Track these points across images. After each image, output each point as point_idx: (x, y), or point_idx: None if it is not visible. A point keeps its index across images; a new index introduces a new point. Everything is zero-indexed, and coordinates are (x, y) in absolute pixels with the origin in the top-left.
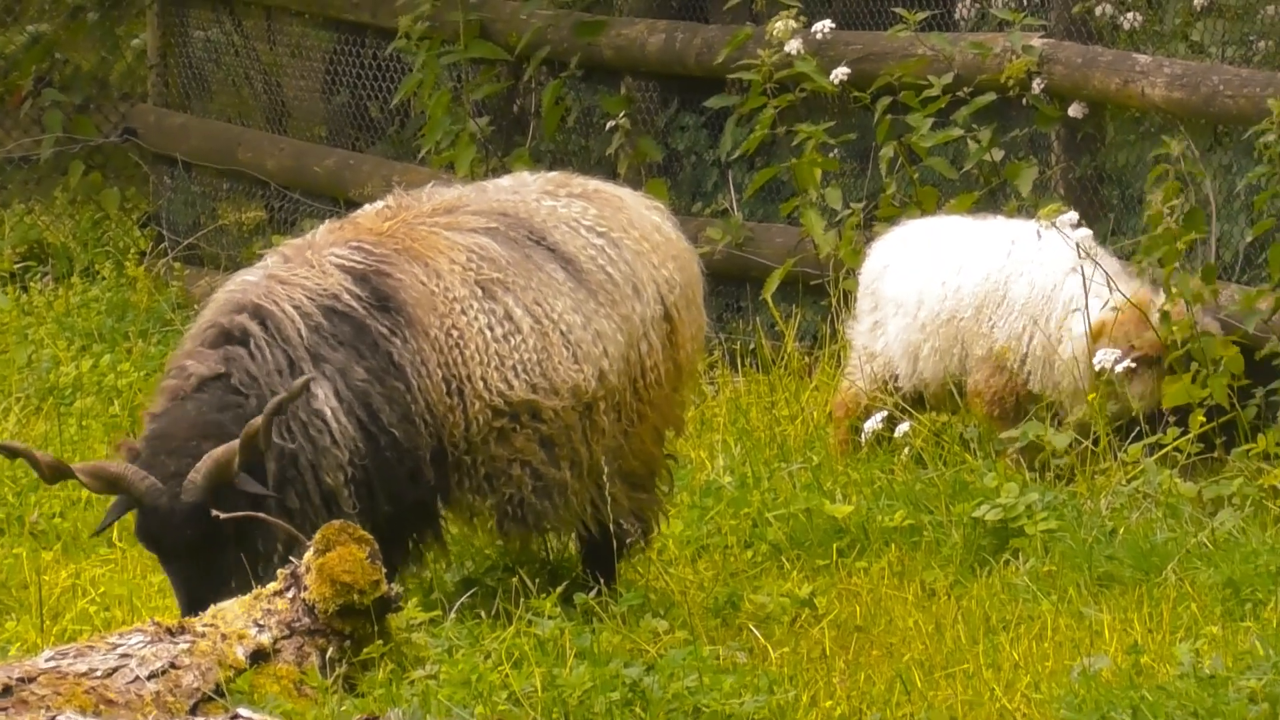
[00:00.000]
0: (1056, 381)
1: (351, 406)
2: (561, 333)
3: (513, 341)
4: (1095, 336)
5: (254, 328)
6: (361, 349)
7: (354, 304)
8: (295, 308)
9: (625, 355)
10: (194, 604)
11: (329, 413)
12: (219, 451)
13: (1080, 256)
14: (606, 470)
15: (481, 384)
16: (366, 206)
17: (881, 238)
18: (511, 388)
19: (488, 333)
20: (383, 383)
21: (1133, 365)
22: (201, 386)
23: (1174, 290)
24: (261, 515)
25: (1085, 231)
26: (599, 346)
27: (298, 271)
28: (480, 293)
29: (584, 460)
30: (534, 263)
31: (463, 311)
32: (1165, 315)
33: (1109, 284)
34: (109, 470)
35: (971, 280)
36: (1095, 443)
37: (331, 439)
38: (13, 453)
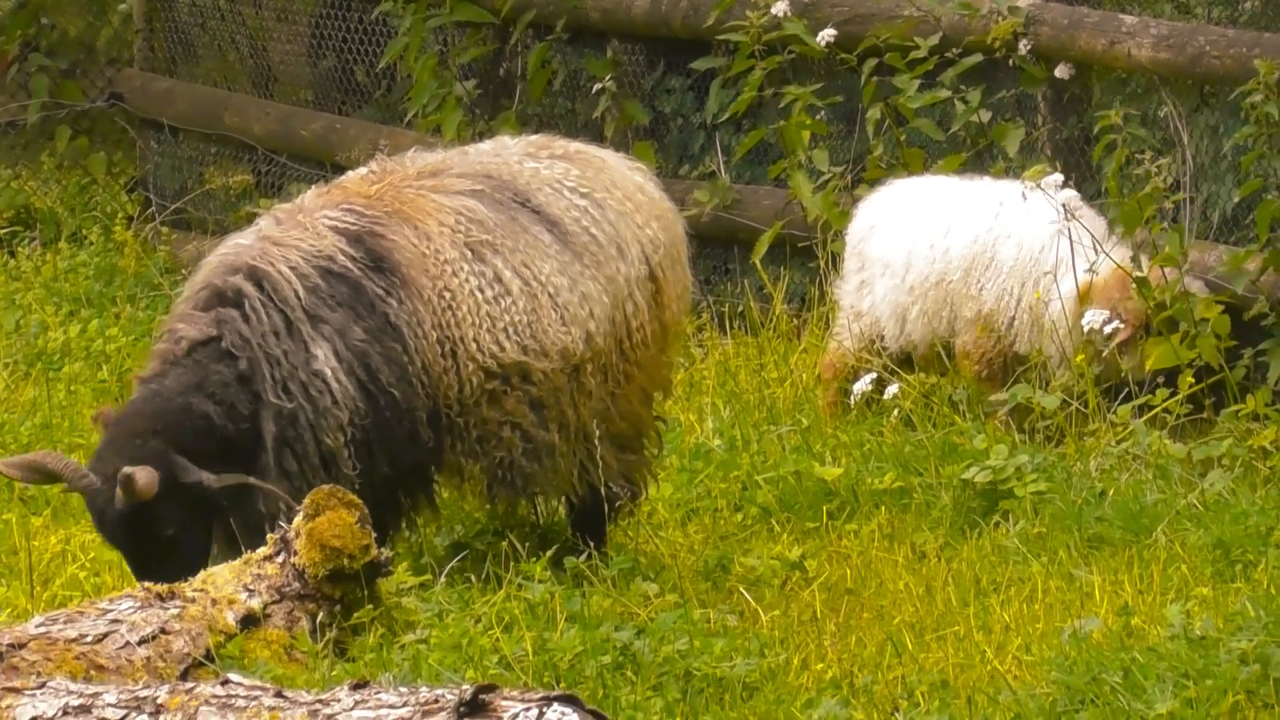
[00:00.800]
0: (1043, 341)
1: (351, 366)
2: (549, 295)
3: (503, 304)
4: (1081, 299)
5: (249, 289)
6: (359, 309)
7: (349, 265)
8: (292, 269)
9: (611, 316)
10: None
11: (329, 373)
12: (139, 474)
13: (1065, 218)
14: (595, 432)
15: (474, 345)
16: (351, 172)
17: (868, 197)
18: (503, 349)
19: (479, 294)
20: (381, 343)
21: (1120, 326)
22: (191, 351)
23: (1153, 256)
24: (253, 481)
25: (1071, 192)
26: (585, 308)
27: (291, 233)
28: (470, 255)
29: (572, 422)
30: (520, 225)
31: (454, 273)
32: (1143, 281)
33: (1095, 246)
34: (47, 465)
35: (960, 242)
36: (1084, 404)
37: (332, 399)
38: None
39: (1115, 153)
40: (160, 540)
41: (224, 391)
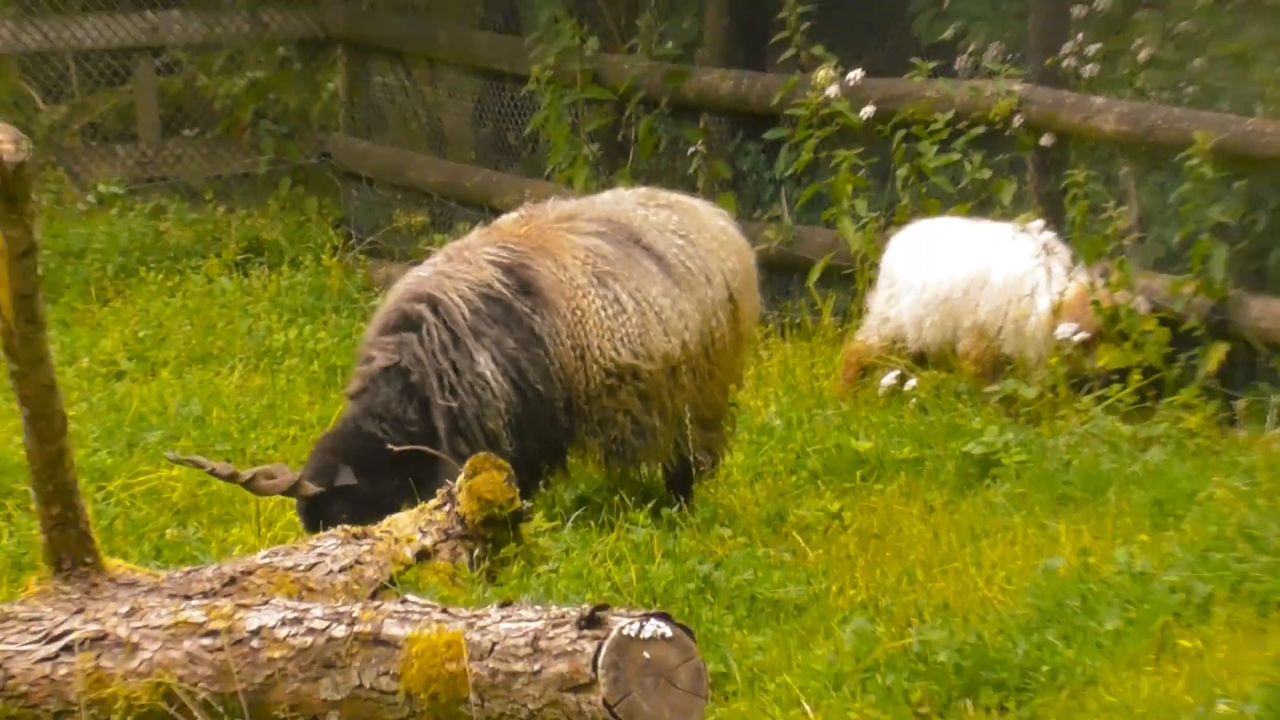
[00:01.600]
0: (1025, 346)
1: (506, 369)
2: (655, 313)
3: (620, 319)
4: (1054, 312)
5: (427, 313)
6: (511, 324)
7: (504, 290)
8: (459, 295)
9: (700, 329)
10: None
11: (489, 374)
12: (290, 476)
13: (1044, 253)
14: (686, 416)
15: (598, 351)
16: (505, 216)
17: (898, 232)
18: (619, 354)
19: (602, 312)
20: (528, 350)
21: (1087, 336)
22: (380, 378)
23: (1111, 281)
24: (428, 450)
25: (1050, 234)
26: (682, 323)
27: (459, 268)
28: (596, 281)
29: (669, 409)
30: (634, 259)
31: (584, 296)
32: (1097, 303)
33: (1066, 273)
34: (271, 472)
35: (963, 270)
36: (1056, 394)
37: (492, 394)
38: (198, 466)
39: (1079, 204)
40: (330, 520)
41: (392, 410)
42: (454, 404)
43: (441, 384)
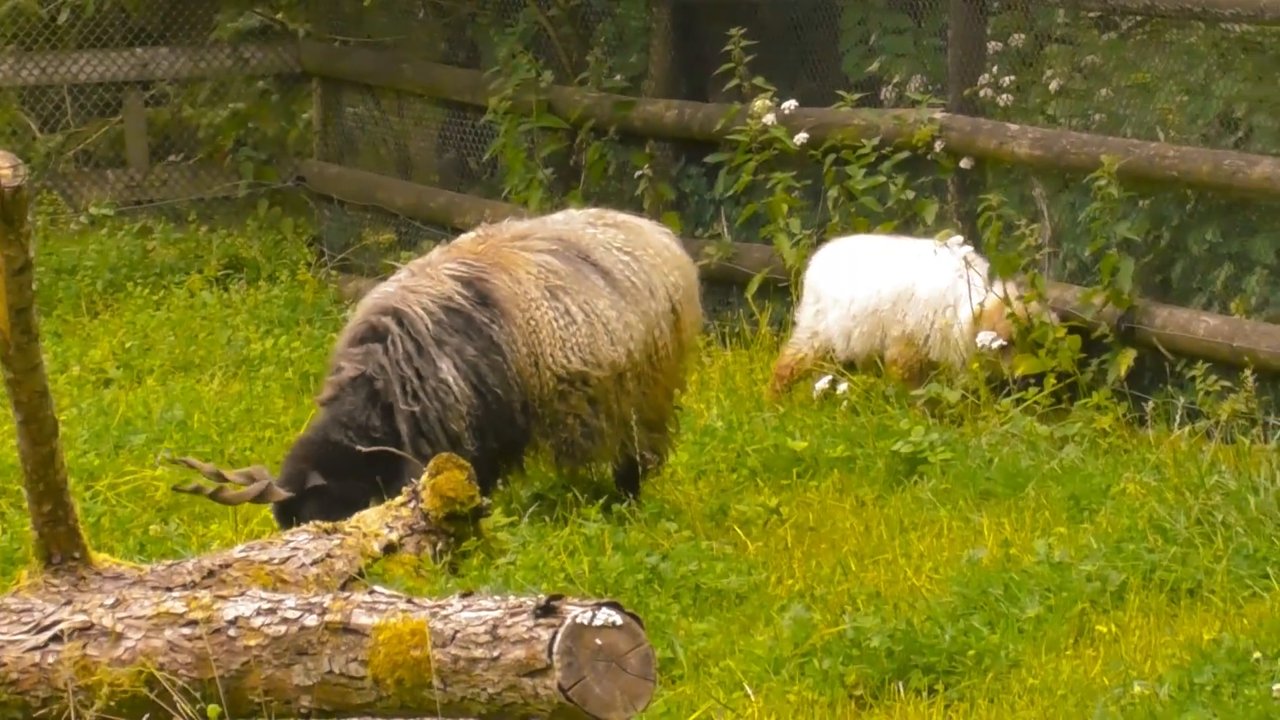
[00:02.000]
0: (949, 352)
1: (467, 374)
2: (603, 324)
3: (571, 330)
4: (975, 321)
5: (392, 325)
6: (471, 334)
7: (464, 302)
8: (423, 309)
9: (645, 339)
10: None
11: (451, 380)
12: (261, 486)
13: (964, 266)
14: (632, 419)
15: (551, 359)
16: (464, 235)
17: (821, 249)
18: (570, 362)
19: (554, 323)
20: (487, 356)
21: (1005, 344)
22: (348, 387)
23: (1025, 294)
24: (394, 451)
25: (968, 248)
26: (628, 333)
27: (422, 283)
28: (549, 295)
29: (616, 413)
30: (583, 274)
31: (537, 308)
32: (1012, 314)
33: (985, 286)
34: (251, 475)
35: (890, 284)
36: (978, 397)
37: (455, 398)
38: (192, 467)
39: (993, 224)
40: (303, 520)
41: (356, 418)
42: (416, 409)
43: (405, 390)
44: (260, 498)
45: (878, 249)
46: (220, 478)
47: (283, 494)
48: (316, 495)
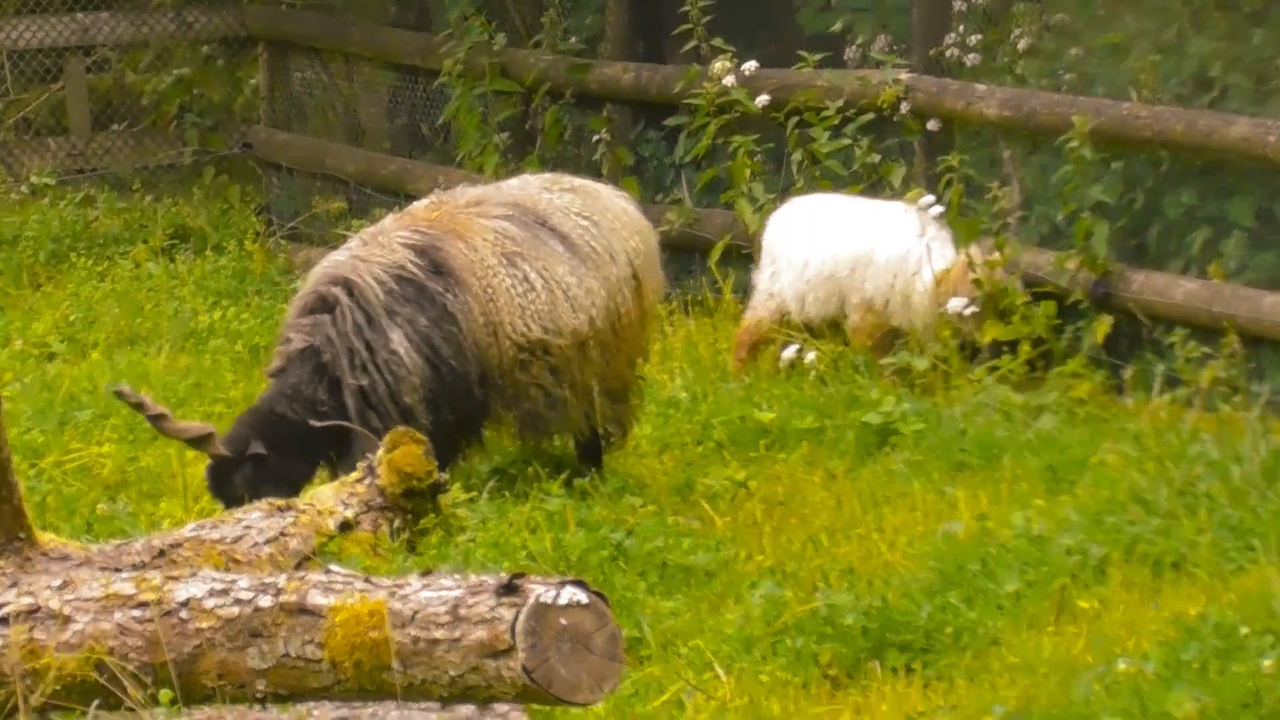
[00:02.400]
0: (913, 318)
1: (419, 345)
2: (563, 290)
3: (530, 297)
4: (938, 283)
5: (342, 295)
6: (424, 303)
7: (416, 271)
8: (374, 278)
9: (607, 305)
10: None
11: (402, 351)
12: (205, 429)
13: (934, 228)
14: (595, 389)
15: (509, 328)
16: (417, 202)
17: (778, 209)
18: (530, 331)
19: (512, 291)
20: (441, 327)
21: (976, 309)
22: (295, 359)
23: (989, 259)
24: (347, 424)
25: (939, 208)
26: (589, 300)
27: (374, 252)
28: (505, 262)
29: (579, 382)
30: (540, 239)
31: (494, 275)
32: (977, 280)
33: (953, 248)
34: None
35: (847, 248)
36: (950, 365)
37: (406, 370)
38: (126, 398)
39: (955, 187)
40: (236, 498)
41: (302, 391)
42: (365, 382)
43: (353, 363)
44: (200, 442)
45: (836, 209)
46: (171, 431)
47: (222, 450)
48: (255, 464)
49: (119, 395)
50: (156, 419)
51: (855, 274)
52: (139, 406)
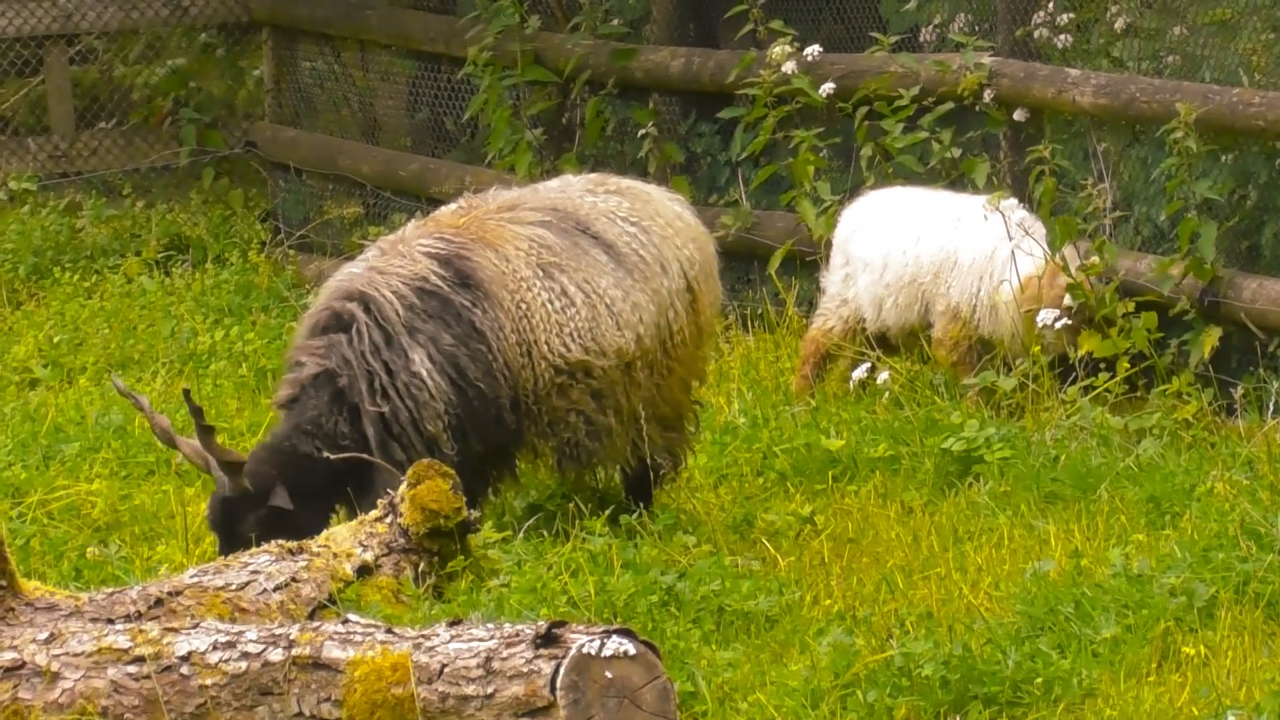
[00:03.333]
0: (999, 328)
1: (443, 366)
2: (606, 305)
3: (569, 313)
4: (1024, 289)
5: (359, 313)
6: (448, 319)
7: (440, 284)
8: (393, 291)
9: (657, 322)
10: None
11: (425, 373)
12: (231, 456)
13: (1020, 232)
14: (643, 415)
15: (546, 347)
16: (443, 207)
17: (850, 205)
18: (569, 350)
19: (549, 306)
20: (467, 345)
21: (1069, 322)
22: (309, 386)
23: (1089, 264)
24: (365, 456)
25: (1023, 213)
26: (636, 315)
27: (393, 262)
28: (541, 273)
29: (625, 408)
30: (581, 248)
31: (528, 288)
32: (1074, 285)
33: (1043, 250)
34: (209, 458)
35: (930, 248)
36: (1040, 386)
37: (429, 394)
38: (137, 405)
39: (1045, 180)
40: (241, 537)
41: (323, 426)
42: (385, 408)
43: (372, 388)
44: (230, 469)
45: (916, 204)
46: (169, 439)
47: (247, 485)
48: (273, 510)
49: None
50: (205, 431)
51: (939, 278)
52: (196, 413)
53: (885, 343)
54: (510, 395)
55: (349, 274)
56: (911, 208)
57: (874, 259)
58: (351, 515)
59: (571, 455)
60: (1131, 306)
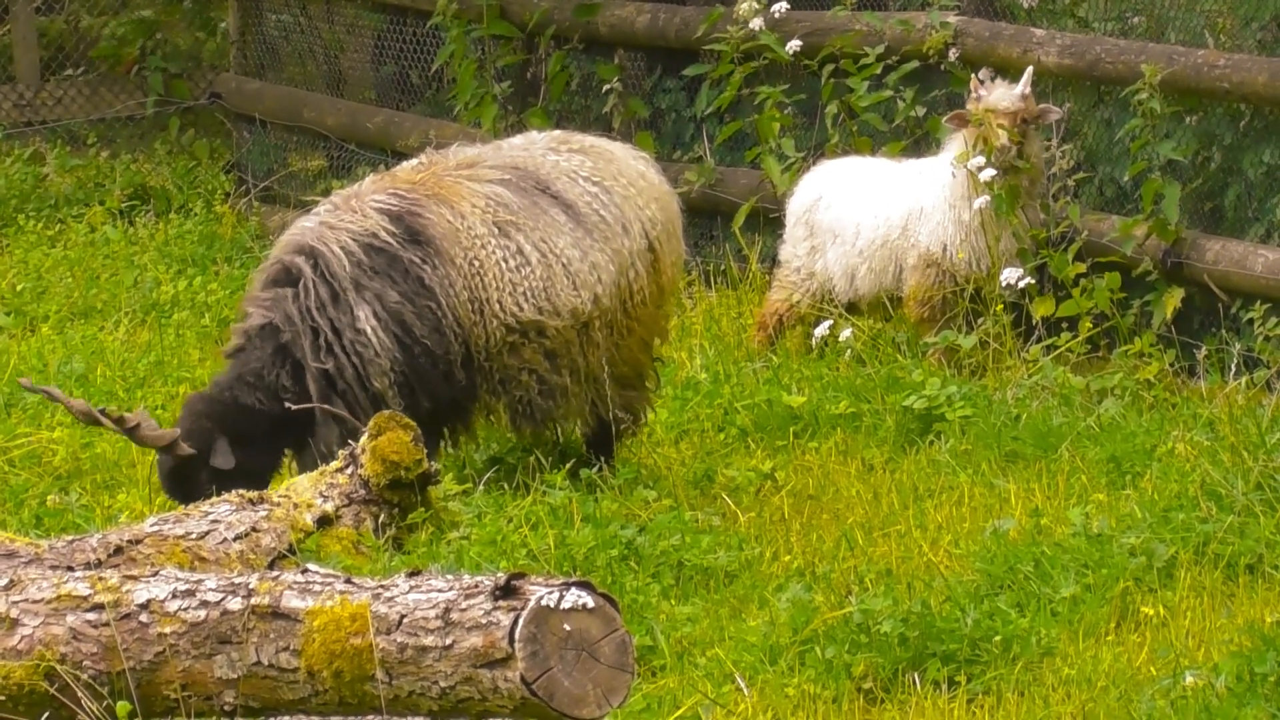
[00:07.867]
0: (972, 253)
1: (388, 323)
2: (563, 265)
3: (523, 272)
4: (960, 124)
5: (306, 268)
6: (395, 276)
7: (390, 240)
8: (341, 248)
9: (616, 282)
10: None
11: (370, 330)
12: (168, 433)
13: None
14: (604, 374)
15: (498, 305)
16: (404, 163)
17: (809, 173)
18: (522, 310)
19: (503, 264)
20: (414, 303)
21: (1030, 280)
22: (255, 337)
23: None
24: (325, 406)
25: (991, 171)
26: (594, 276)
27: (344, 218)
28: (497, 231)
29: (581, 368)
30: (540, 208)
31: (482, 246)
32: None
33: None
34: (126, 421)
35: (899, 206)
36: (1001, 344)
37: (374, 351)
38: (50, 397)
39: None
40: (198, 494)
41: (264, 377)
42: (328, 365)
43: (316, 344)
44: (166, 448)
45: (877, 171)
46: (91, 417)
47: (188, 450)
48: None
49: (31, 392)
50: (131, 432)
51: (908, 230)
52: (117, 423)
53: (855, 311)
54: (462, 352)
55: (300, 228)
56: (875, 173)
57: (844, 228)
58: (300, 467)
59: (525, 413)
60: (1088, 268)
